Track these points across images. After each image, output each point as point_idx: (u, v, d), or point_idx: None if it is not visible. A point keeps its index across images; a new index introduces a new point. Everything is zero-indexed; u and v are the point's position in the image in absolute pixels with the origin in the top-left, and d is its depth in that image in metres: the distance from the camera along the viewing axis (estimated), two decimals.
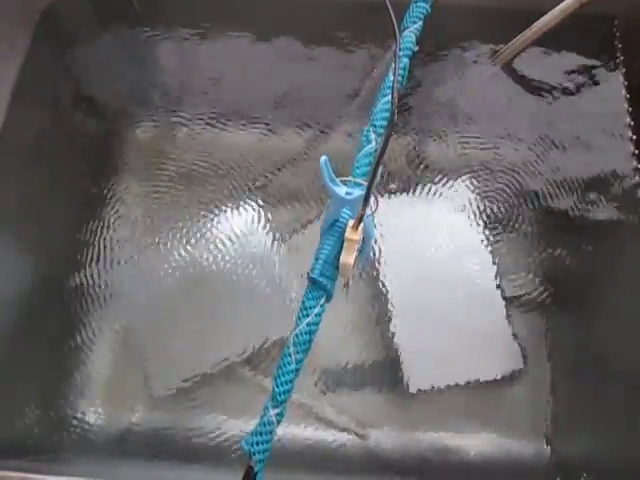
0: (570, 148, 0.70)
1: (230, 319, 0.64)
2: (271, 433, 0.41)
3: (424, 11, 0.51)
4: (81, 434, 0.61)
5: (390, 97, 0.45)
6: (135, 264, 0.66)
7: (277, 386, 0.41)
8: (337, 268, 0.43)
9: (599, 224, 0.67)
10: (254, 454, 0.40)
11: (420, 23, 0.50)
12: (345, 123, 0.72)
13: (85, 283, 0.65)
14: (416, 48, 0.49)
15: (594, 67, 0.72)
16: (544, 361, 0.64)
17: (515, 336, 0.64)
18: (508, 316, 0.64)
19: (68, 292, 0.65)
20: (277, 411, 0.41)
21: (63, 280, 0.66)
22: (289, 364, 0.41)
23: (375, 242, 0.65)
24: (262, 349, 0.63)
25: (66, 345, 0.64)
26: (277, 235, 0.67)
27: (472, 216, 0.68)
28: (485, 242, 0.67)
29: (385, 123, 0.45)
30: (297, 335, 0.41)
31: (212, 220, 0.68)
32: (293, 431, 0.61)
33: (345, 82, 0.73)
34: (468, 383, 0.62)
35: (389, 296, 0.64)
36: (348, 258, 0.41)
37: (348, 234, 0.41)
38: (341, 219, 0.42)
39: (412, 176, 0.70)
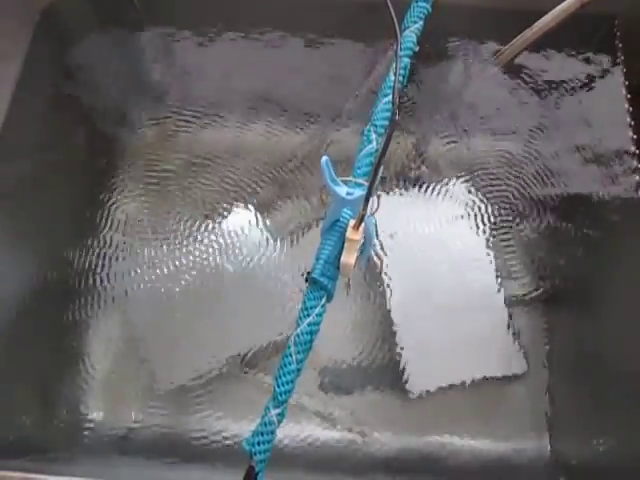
0: (570, 148, 0.70)
1: (231, 319, 0.64)
2: (272, 433, 0.41)
3: (425, 11, 0.51)
4: (81, 434, 0.61)
5: (391, 97, 0.45)
6: (135, 264, 0.66)
7: (278, 386, 0.41)
8: (338, 268, 0.43)
9: (599, 224, 0.67)
10: (255, 454, 0.40)
11: (421, 23, 0.51)
12: (345, 123, 0.71)
13: (85, 283, 0.65)
14: (417, 48, 0.49)
15: (595, 67, 0.72)
16: (545, 361, 0.64)
17: (515, 336, 0.64)
18: (509, 316, 0.64)
19: (68, 292, 0.65)
20: (278, 411, 0.41)
21: (63, 280, 0.66)
22: (290, 364, 0.41)
23: (375, 242, 0.65)
24: (263, 349, 0.63)
25: (66, 345, 0.64)
26: (277, 235, 0.67)
27: (472, 216, 0.68)
28: (486, 242, 0.67)
29: (386, 123, 0.45)
30: (298, 335, 0.41)
31: (212, 220, 0.68)
32: (293, 431, 0.61)
33: (345, 82, 0.73)
34: (469, 383, 0.62)
35: (390, 296, 0.64)
36: (349, 258, 0.41)
37: (349, 234, 0.41)
38: (342, 219, 0.42)
39: (412, 176, 0.70)
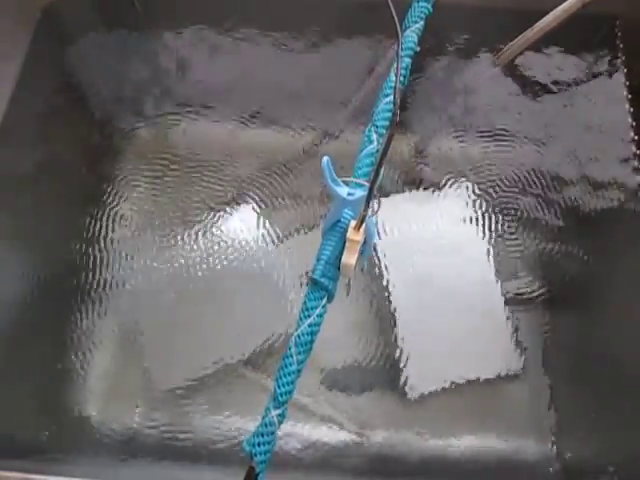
0: (571, 149, 0.70)
1: (231, 319, 0.64)
2: (272, 434, 0.41)
3: (425, 11, 0.51)
4: (81, 434, 0.61)
5: (392, 97, 0.45)
6: (135, 264, 0.66)
7: (278, 387, 0.41)
8: (339, 269, 0.43)
9: (600, 224, 0.67)
10: (255, 455, 0.40)
11: (422, 23, 0.50)
12: (346, 123, 0.71)
13: (85, 283, 0.65)
14: (418, 48, 0.49)
15: (595, 67, 0.72)
16: (544, 361, 0.64)
17: (515, 336, 0.64)
18: (508, 316, 0.64)
19: (68, 292, 0.65)
20: (278, 412, 0.40)
21: (63, 279, 0.66)
22: (291, 365, 0.41)
23: (376, 243, 0.65)
24: (263, 349, 0.63)
25: (66, 345, 0.63)
26: (278, 235, 0.67)
27: (472, 216, 0.68)
28: (486, 242, 0.67)
29: (387, 123, 0.45)
30: (299, 336, 0.41)
31: (213, 220, 0.68)
32: (293, 431, 0.61)
33: (346, 82, 0.73)
34: (469, 383, 0.62)
35: (390, 296, 0.64)
36: (350, 259, 0.41)
37: (350, 235, 0.41)
38: (343, 219, 0.42)
39: (412, 176, 0.70)
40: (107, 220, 0.68)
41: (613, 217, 0.67)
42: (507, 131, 0.71)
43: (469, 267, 0.66)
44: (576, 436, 0.62)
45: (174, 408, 0.61)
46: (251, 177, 0.70)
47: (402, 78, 0.47)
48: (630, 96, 0.70)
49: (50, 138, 0.72)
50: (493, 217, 0.68)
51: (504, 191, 0.69)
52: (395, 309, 0.64)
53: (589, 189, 0.68)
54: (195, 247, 0.67)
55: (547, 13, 0.66)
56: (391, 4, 0.41)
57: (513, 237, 0.67)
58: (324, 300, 0.42)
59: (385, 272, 0.65)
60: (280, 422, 0.41)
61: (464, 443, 0.61)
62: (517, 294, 0.66)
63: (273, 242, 0.67)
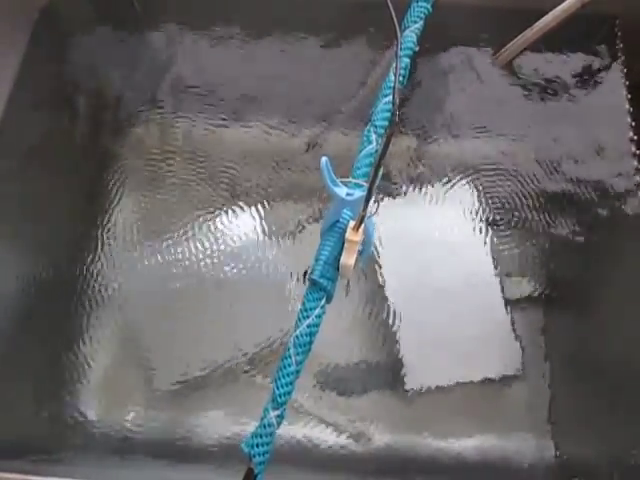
0: (571, 149, 0.70)
1: (229, 320, 0.64)
2: (271, 435, 0.41)
3: (425, 11, 0.51)
4: (81, 434, 0.61)
5: (391, 97, 0.45)
6: (135, 264, 0.66)
7: (277, 388, 0.41)
8: (337, 269, 0.43)
9: (600, 224, 0.67)
10: (254, 456, 0.40)
11: (421, 23, 0.50)
12: (345, 123, 0.71)
13: (85, 283, 0.65)
14: (417, 48, 0.49)
15: (595, 67, 0.72)
16: (544, 360, 0.63)
17: (515, 336, 0.64)
18: (508, 316, 0.64)
19: (68, 292, 0.65)
20: (277, 413, 0.40)
21: (63, 280, 0.65)
22: (289, 366, 0.41)
23: (375, 243, 0.65)
24: (262, 349, 0.63)
25: (66, 345, 0.63)
26: (277, 235, 0.67)
27: (472, 216, 0.68)
28: (485, 242, 0.67)
29: (386, 123, 0.45)
30: (297, 337, 0.41)
31: (212, 220, 0.68)
32: (292, 431, 0.60)
33: (345, 82, 0.73)
34: (468, 383, 0.62)
35: (389, 296, 0.64)
36: (349, 259, 0.41)
37: (349, 235, 0.41)
38: (342, 220, 0.42)
39: (412, 177, 0.70)
40: (106, 220, 0.68)
41: (613, 217, 0.67)
42: (506, 131, 0.71)
43: (469, 267, 0.66)
44: (576, 436, 0.61)
45: (173, 408, 0.61)
46: (250, 177, 0.70)
47: (401, 78, 0.47)
48: (630, 95, 0.70)
49: (49, 138, 0.71)
50: (492, 217, 0.68)
51: (503, 191, 0.69)
52: (394, 310, 0.64)
53: (589, 189, 0.68)
54: (194, 247, 0.67)
55: (546, 13, 0.65)
56: (390, 4, 0.41)
57: (513, 237, 0.67)
58: (323, 301, 0.42)
59: (384, 272, 0.65)
60: (279, 423, 0.41)
61: (463, 443, 0.61)
62: (517, 294, 0.66)
63: (272, 242, 0.67)
